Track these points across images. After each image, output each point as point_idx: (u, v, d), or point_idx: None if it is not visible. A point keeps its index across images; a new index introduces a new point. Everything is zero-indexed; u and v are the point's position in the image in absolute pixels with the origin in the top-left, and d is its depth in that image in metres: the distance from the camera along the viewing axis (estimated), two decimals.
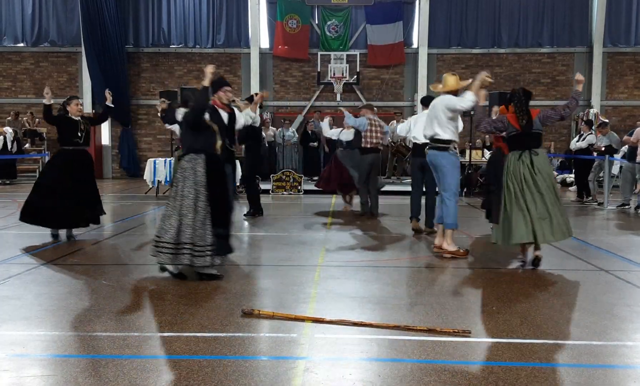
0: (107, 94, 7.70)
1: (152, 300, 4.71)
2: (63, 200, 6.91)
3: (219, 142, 5.50)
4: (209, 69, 5.41)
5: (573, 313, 4.45)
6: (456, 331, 3.91)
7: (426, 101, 8.11)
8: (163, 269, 5.33)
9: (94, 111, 18.00)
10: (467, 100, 6.31)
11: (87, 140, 7.29)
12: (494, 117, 7.40)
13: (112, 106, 7.71)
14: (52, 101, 7.24)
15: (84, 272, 5.70)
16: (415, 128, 8.01)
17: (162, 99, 8.01)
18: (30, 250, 6.66)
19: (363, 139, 9.45)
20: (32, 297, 4.78)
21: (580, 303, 4.73)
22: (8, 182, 15.92)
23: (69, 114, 7.19)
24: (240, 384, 3.11)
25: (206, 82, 5.40)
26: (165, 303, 4.63)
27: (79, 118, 7.25)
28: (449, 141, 6.49)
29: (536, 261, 5.93)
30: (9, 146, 16.14)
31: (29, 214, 7.07)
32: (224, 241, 5.32)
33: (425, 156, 7.97)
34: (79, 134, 7.15)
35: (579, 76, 6.17)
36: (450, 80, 6.57)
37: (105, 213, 7.80)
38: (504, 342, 3.81)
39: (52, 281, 5.33)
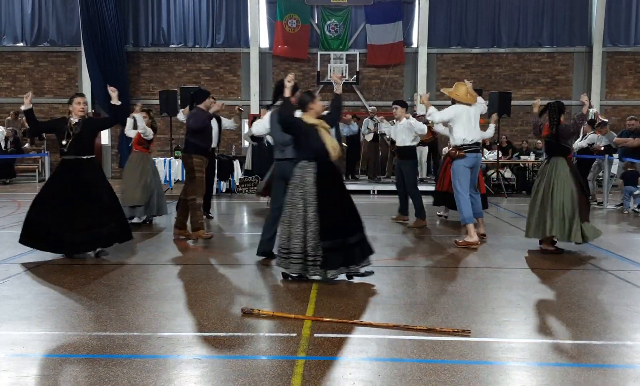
0: (111, 90, 6.36)
1: (151, 300, 4.71)
2: (55, 222, 5.96)
3: (331, 143, 5.17)
4: (289, 80, 5.36)
5: (573, 313, 4.45)
6: (456, 330, 3.91)
7: (404, 104, 8.97)
8: (286, 275, 5.33)
9: (93, 111, 18.01)
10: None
11: (77, 149, 6.06)
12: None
13: (119, 103, 6.36)
14: (30, 106, 6.17)
15: (83, 272, 5.70)
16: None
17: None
18: (29, 250, 6.66)
19: None
20: (32, 297, 4.78)
21: (580, 303, 4.73)
22: (8, 182, 15.90)
23: (71, 115, 6.16)
24: (240, 384, 3.11)
25: (287, 93, 5.30)
26: (164, 303, 4.62)
27: (77, 120, 6.10)
28: None
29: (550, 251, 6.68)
30: (3, 145, 16.11)
31: (29, 236, 6.11)
32: (335, 253, 5.01)
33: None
34: (63, 141, 6.03)
35: (584, 98, 6.78)
36: (472, 91, 7.31)
37: (126, 238, 6.42)
38: (504, 342, 3.81)
39: (51, 281, 5.33)
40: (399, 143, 8.75)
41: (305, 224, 5.03)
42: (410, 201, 8.77)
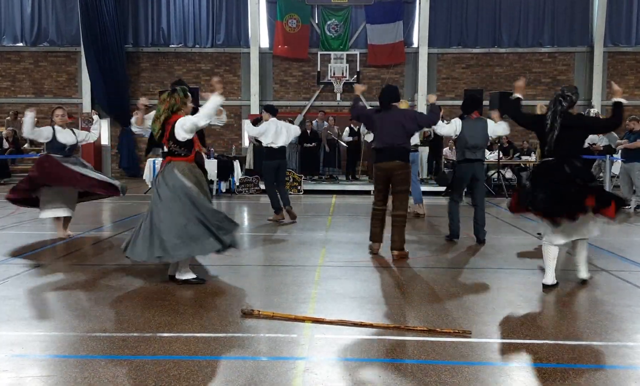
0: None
1: (151, 300, 4.70)
2: None
3: None
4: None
5: (573, 313, 4.44)
6: (456, 331, 3.90)
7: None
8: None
9: (93, 110, 18.02)
10: None
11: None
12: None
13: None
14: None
15: (83, 272, 5.69)
16: None
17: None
18: (29, 250, 6.65)
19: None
20: (31, 297, 4.77)
21: (581, 303, 4.72)
22: (2, 182, 15.77)
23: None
24: (240, 385, 3.10)
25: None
26: (164, 303, 4.62)
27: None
28: None
29: None
30: None
31: None
32: None
33: None
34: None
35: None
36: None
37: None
38: (504, 342, 3.80)
39: (51, 282, 5.32)
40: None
41: None
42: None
